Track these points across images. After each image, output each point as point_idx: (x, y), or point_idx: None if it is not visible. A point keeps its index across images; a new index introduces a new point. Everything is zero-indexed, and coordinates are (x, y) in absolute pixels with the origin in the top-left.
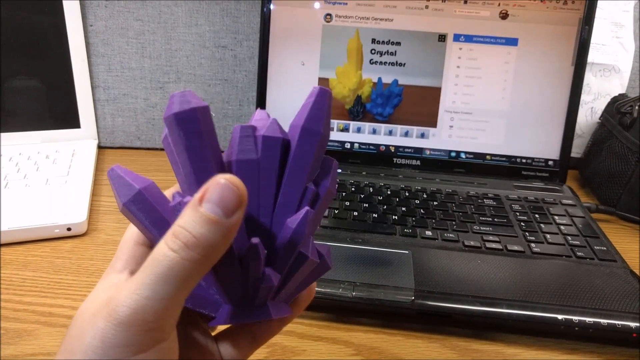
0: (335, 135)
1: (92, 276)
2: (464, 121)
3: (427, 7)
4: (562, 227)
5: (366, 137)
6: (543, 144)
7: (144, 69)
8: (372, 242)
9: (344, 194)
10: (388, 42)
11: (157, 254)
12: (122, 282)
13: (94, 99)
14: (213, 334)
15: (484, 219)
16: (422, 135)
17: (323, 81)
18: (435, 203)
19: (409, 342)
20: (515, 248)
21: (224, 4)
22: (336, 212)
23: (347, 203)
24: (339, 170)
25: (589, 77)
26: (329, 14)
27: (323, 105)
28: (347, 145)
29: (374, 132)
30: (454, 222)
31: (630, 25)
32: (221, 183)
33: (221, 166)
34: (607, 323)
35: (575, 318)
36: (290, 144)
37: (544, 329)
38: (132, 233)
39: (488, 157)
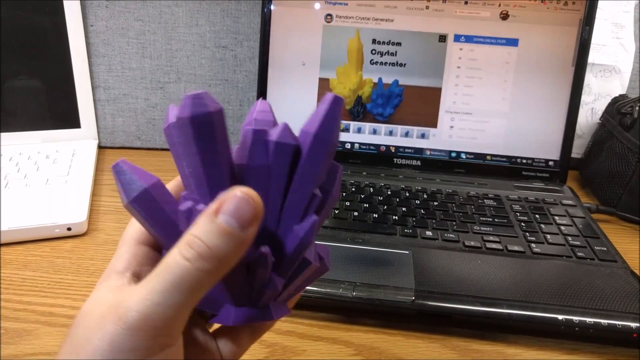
0: None
1: (92, 276)
2: (465, 121)
3: (427, 7)
4: (562, 228)
5: (366, 138)
6: (543, 145)
7: (145, 69)
8: (373, 242)
9: (344, 194)
10: (388, 43)
11: (170, 261)
12: (130, 286)
13: (94, 99)
14: (211, 330)
15: (484, 219)
16: (423, 136)
17: (323, 81)
18: (435, 203)
19: (409, 342)
20: (516, 248)
21: (225, 4)
22: (336, 212)
23: (348, 203)
24: None
25: (589, 78)
26: (330, 15)
27: (335, 113)
28: (348, 146)
29: (375, 132)
30: (454, 223)
31: (630, 25)
32: (238, 196)
33: (231, 170)
34: (608, 323)
35: (576, 318)
36: (301, 150)
37: (545, 329)
38: (132, 231)
39: (488, 157)
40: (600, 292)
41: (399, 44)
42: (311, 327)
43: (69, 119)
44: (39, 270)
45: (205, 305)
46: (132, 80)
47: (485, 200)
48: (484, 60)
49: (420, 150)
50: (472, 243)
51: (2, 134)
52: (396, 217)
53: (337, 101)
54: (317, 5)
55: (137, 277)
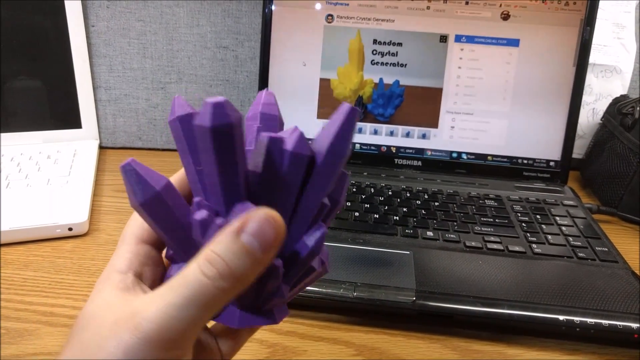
0: None
1: (94, 276)
2: (465, 122)
3: (428, 7)
4: (563, 228)
5: (367, 138)
6: (544, 145)
7: (146, 69)
8: (374, 242)
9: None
10: (389, 43)
11: (189, 275)
12: (142, 292)
13: (95, 99)
14: (208, 326)
15: (485, 219)
16: (424, 136)
17: (324, 82)
18: (436, 204)
19: (410, 343)
20: (517, 249)
21: (226, 4)
22: (337, 212)
23: (349, 203)
24: None
25: (590, 78)
26: (331, 15)
27: (351, 124)
28: None
29: (375, 132)
30: (455, 223)
31: (631, 26)
32: (262, 217)
33: (246, 179)
34: (609, 324)
35: (577, 319)
36: (315, 159)
37: (546, 329)
38: (133, 229)
39: (489, 157)
40: (601, 292)
41: (400, 44)
42: (312, 328)
43: (70, 119)
44: (40, 270)
45: None
46: (133, 81)
47: (486, 201)
48: (485, 60)
49: (421, 151)
50: (473, 243)
51: (3, 134)
52: (397, 218)
53: (353, 112)
54: (318, 6)
55: (139, 277)
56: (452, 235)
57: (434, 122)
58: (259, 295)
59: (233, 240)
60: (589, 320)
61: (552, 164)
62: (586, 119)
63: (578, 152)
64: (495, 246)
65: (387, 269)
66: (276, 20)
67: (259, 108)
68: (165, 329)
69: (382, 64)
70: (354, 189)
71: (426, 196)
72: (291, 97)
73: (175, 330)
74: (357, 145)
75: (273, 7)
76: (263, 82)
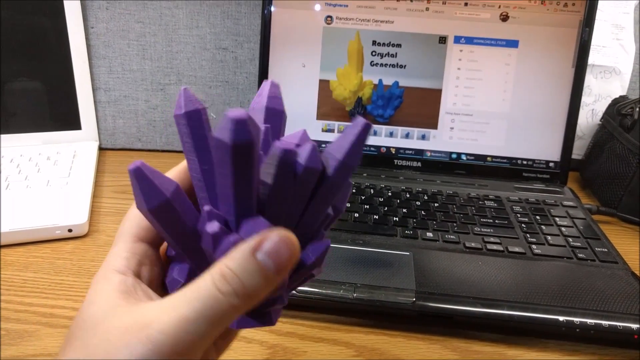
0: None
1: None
2: (465, 123)
3: (427, 9)
4: (563, 229)
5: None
6: (544, 146)
7: (145, 70)
8: (373, 243)
9: None
10: (389, 44)
11: (203, 290)
12: (150, 300)
13: (94, 100)
14: None
15: (484, 220)
16: (423, 137)
17: (324, 83)
18: (436, 204)
19: (410, 344)
20: (516, 249)
21: (225, 6)
22: None
23: (348, 205)
24: None
25: (589, 79)
26: (330, 16)
27: (363, 140)
28: None
29: (375, 133)
30: (454, 224)
31: (630, 27)
32: (278, 237)
33: (256, 188)
34: (609, 324)
35: (577, 319)
36: (325, 172)
37: (545, 330)
38: (130, 227)
39: (489, 158)
40: (601, 293)
41: (399, 45)
42: (312, 329)
43: (70, 120)
44: (40, 271)
45: None
46: (133, 82)
47: (485, 202)
48: (484, 61)
49: (420, 152)
50: (473, 244)
51: (3, 135)
52: (397, 219)
53: (366, 128)
54: (317, 7)
55: (137, 277)
56: (451, 236)
57: (433, 123)
58: (262, 301)
59: (248, 258)
60: (588, 321)
61: (551, 164)
62: (585, 120)
63: (577, 152)
64: (495, 247)
65: (387, 269)
66: (275, 22)
67: (264, 101)
68: (178, 342)
69: (381, 65)
70: (354, 190)
71: (426, 197)
72: (290, 98)
73: (187, 343)
74: None
75: (272, 9)
76: None
